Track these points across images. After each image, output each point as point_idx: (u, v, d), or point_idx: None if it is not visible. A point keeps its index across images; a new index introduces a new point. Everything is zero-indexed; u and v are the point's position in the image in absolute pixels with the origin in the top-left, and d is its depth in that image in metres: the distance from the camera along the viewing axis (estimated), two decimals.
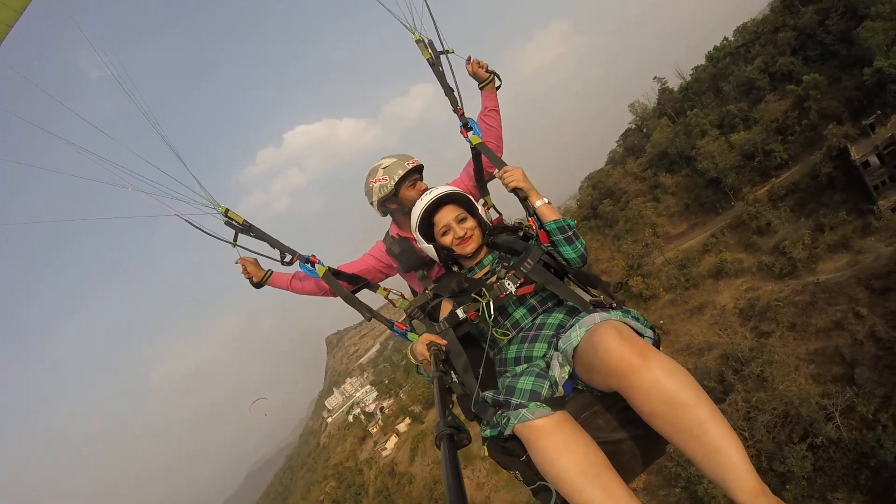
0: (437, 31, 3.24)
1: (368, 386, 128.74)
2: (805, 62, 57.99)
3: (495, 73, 3.35)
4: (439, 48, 3.29)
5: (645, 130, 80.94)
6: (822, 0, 58.59)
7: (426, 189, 3.12)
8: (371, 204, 3.36)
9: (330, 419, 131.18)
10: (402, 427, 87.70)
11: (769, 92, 58.87)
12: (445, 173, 3.53)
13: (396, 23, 3.24)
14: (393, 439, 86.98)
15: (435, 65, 3.24)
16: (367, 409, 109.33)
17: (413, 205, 3.02)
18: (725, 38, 78.21)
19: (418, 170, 3.30)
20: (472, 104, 3.38)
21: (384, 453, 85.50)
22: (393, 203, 3.31)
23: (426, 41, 3.28)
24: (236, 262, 3.28)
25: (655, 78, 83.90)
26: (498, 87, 3.40)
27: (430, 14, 3.21)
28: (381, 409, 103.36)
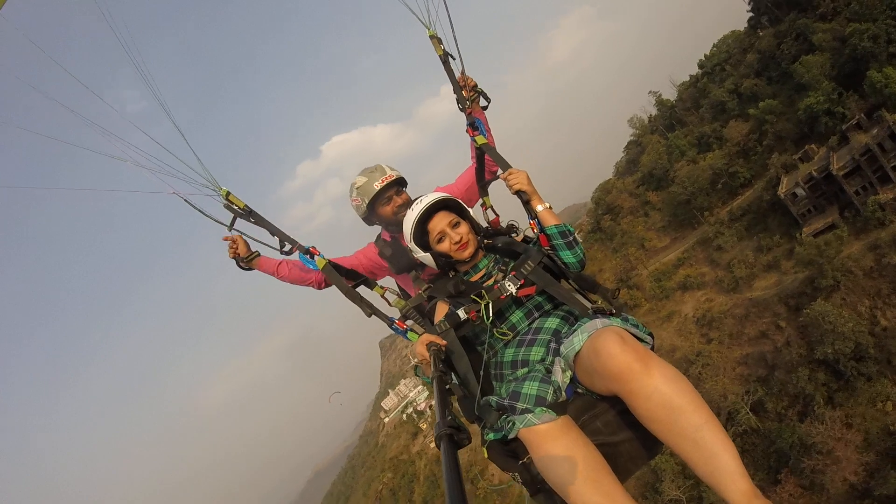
0: (451, 25, 3.11)
1: (421, 386, 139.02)
2: (769, 82, 63.75)
3: (482, 93, 3.25)
4: (452, 50, 3.19)
5: (642, 144, 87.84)
6: (780, 23, 64.09)
7: (407, 201, 3.34)
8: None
9: (387, 419, 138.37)
10: None
11: (736, 115, 65.12)
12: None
13: (417, 23, 3.13)
14: None
15: (446, 62, 3.19)
16: (418, 408, 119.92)
17: (391, 219, 3.30)
18: (714, 45, 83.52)
19: (395, 184, 3.31)
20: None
21: (431, 445, 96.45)
22: (372, 219, 3.50)
23: (439, 37, 3.20)
24: (224, 239, 3.21)
25: (650, 92, 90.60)
26: (485, 108, 3.27)
27: (447, 9, 3.06)
28: (430, 406, 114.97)
